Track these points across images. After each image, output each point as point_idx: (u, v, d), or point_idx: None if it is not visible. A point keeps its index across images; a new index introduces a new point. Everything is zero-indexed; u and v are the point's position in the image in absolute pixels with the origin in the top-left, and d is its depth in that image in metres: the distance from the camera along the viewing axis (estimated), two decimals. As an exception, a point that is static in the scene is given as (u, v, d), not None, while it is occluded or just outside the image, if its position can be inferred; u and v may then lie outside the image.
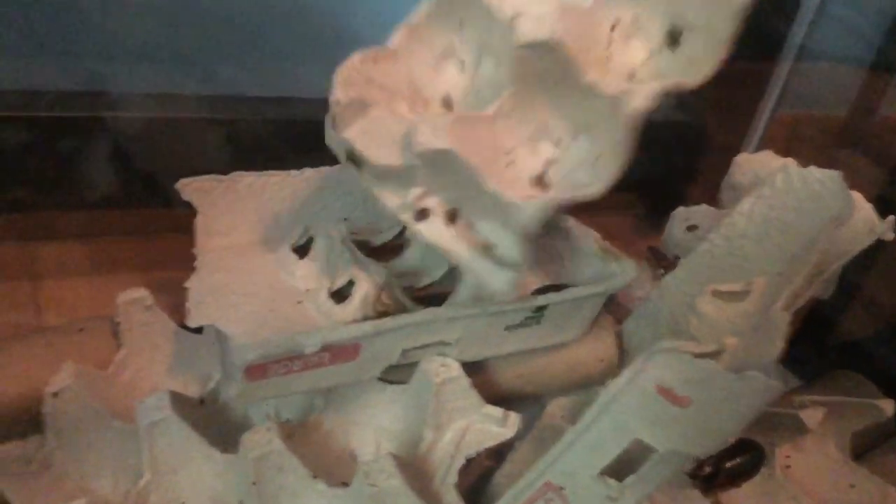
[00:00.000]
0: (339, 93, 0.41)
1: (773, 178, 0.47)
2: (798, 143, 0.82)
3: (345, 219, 0.52)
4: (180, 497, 0.42)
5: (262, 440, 0.40)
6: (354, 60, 0.42)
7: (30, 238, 0.59)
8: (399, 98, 0.44)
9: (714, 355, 0.38)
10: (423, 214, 0.41)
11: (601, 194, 0.38)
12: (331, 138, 0.42)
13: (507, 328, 0.44)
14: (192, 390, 0.46)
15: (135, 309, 0.48)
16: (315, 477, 0.39)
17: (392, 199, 0.41)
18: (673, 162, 0.80)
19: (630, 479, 0.38)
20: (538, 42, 0.39)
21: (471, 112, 0.43)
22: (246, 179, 0.50)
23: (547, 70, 0.40)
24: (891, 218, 0.49)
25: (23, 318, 0.55)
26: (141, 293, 0.48)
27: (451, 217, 0.41)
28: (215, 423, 0.43)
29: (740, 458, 0.50)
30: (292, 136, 0.63)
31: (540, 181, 0.42)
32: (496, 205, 0.38)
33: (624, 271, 0.46)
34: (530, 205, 0.37)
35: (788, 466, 0.52)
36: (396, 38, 0.44)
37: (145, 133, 0.59)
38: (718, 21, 0.39)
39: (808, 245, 0.44)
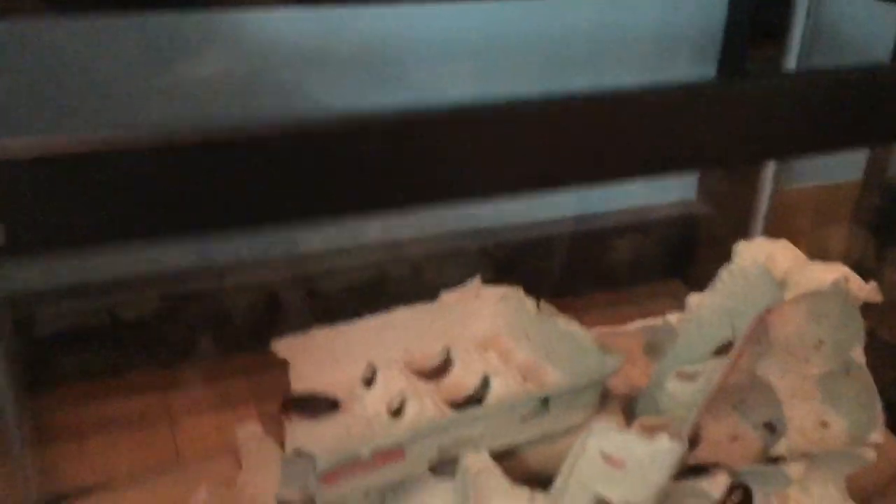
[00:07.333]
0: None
1: (722, 271, 0.57)
2: (806, 218, 0.89)
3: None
4: None
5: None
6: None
7: (163, 388, 0.77)
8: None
9: (662, 427, 0.49)
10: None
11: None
12: None
13: (522, 419, 0.57)
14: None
15: (250, 439, 0.65)
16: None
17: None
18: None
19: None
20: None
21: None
22: (323, 333, 0.65)
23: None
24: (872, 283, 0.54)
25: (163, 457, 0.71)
26: (254, 427, 0.65)
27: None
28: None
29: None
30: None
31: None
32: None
33: (615, 362, 0.57)
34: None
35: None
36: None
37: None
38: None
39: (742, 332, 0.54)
